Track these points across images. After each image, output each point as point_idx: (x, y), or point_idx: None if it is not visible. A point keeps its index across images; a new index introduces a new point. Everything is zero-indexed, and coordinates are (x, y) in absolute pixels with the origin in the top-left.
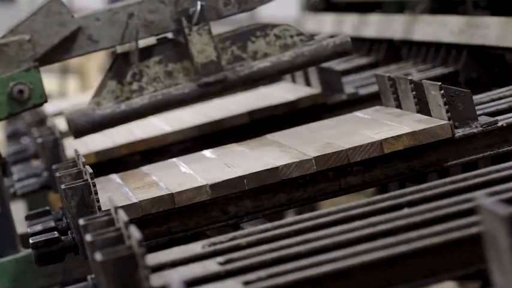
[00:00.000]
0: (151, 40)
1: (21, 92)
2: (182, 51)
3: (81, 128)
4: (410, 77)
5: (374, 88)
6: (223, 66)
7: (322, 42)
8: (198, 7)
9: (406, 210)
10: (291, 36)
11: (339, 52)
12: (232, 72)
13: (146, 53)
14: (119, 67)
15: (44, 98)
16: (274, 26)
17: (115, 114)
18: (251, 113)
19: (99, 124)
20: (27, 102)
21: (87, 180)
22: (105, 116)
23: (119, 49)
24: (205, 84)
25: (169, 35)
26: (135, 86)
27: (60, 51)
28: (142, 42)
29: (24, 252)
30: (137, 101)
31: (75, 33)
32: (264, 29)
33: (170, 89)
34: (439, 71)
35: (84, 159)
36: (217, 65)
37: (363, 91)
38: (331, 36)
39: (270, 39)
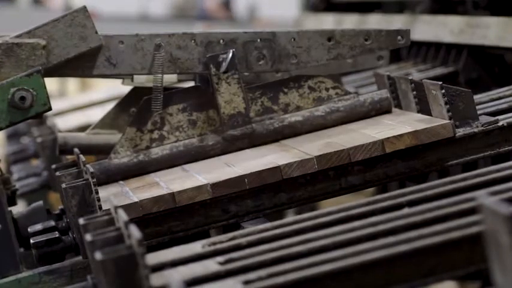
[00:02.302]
0: (171, 77)
1: (23, 98)
2: (208, 100)
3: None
4: (410, 77)
5: (374, 88)
6: (251, 118)
7: (359, 98)
8: (230, 55)
9: (406, 210)
10: (326, 89)
11: (377, 109)
12: (260, 125)
13: (169, 99)
14: (140, 113)
15: (47, 106)
16: (308, 77)
17: (132, 164)
18: None
19: (114, 174)
20: (29, 110)
21: (87, 179)
22: (121, 166)
23: (135, 79)
24: (231, 137)
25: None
26: (155, 134)
27: (73, 66)
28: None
29: (27, 272)
30: (157, 151)
31: (94, 51)
32: (297, 80)
33: (193, 139)
34: (439, 71)
35: (84, 159)
36: (244, 117)
37: (363, 91)
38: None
39: (304, 91)
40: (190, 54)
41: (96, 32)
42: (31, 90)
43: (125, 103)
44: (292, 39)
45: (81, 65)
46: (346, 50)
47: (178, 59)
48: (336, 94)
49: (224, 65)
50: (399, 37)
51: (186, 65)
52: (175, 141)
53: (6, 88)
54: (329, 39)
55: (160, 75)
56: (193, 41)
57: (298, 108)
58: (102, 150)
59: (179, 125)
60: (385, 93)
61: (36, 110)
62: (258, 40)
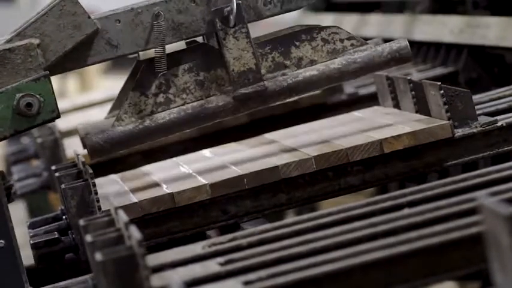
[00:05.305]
0: (179, 45)
1: (29, 105)
2: (216, 58)
3: (98, 147)
4: (409, 77)
5: (374, 88)
6: (262, 75)
7: (377, 48)
8: (234, 6)
9: (406, 211)
10: (341, 41)
11: (397, 59)
12: (273, 82)
13: (174, 60)
14: (143, 76)
15: (56, 113)
16: (321, 28)
17: (138, 131)
18: (250, 113)
19: (119, 143)
20: (36, 117)
21: (87, 180)
22: (127, 133)
23: (142, 55)
24: (242, 96)
25: (200, 39)
26: (161, 98)
27: (74, 58)
28: (169, 48)
29: None
30: (163, 116)
31: (91, 37)
32: (309, 32)
33: (201, 101)
34: (439, 71)
35: (83, 159)
36: (256, 73)
37: (362, 91)
38: (386, 41)
39: (317, 44)
40: (193, 16)
41: (89, 17)
42: (38, 96)
43: (134, 77)
44: None
45: (82, 55)
46: None
47: (181, 24)
48: (352, 45)
49: (232, 19)
50: None
51: (191, 28)
52: (183, 104)
53: (11, 94)
54: None
55: (162, 46)
56: (192, 2)
57: (312, 62)
58: None
59: (186, 87)
60: (403, 41)
61: (44, 118)
62: None
